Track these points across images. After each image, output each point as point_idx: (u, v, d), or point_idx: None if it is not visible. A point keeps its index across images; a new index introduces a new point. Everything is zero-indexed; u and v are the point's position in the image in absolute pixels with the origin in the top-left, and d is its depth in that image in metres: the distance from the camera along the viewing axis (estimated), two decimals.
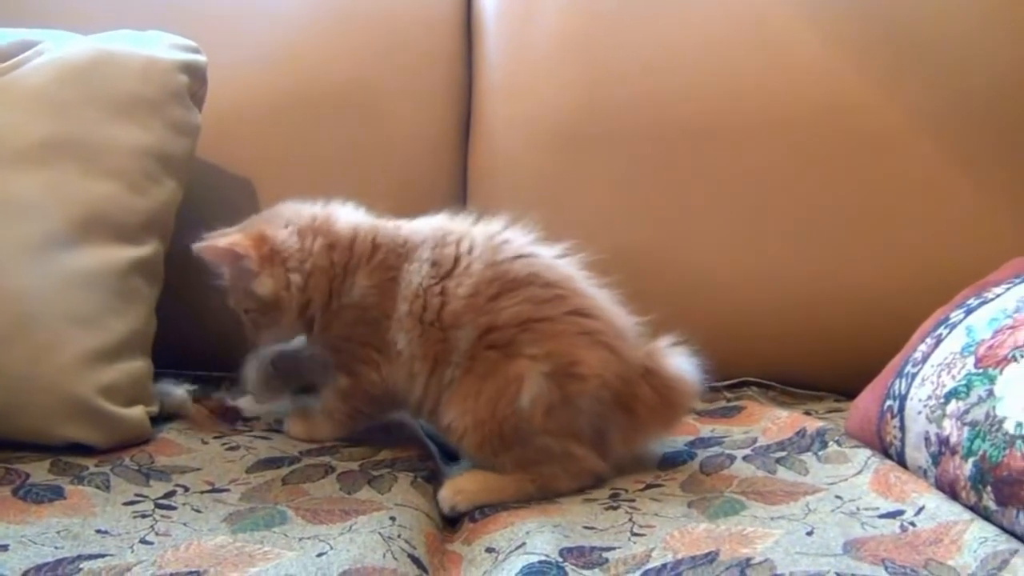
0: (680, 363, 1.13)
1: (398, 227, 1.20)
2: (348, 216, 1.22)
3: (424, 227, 1.19)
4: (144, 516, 0.98)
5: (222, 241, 1.16)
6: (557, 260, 1.17)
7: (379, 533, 0.91)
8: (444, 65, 1.61)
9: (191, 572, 0.84)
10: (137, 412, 1.19)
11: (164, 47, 1.35)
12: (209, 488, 1.06)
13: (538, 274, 1.13)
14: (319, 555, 0.87)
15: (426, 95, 1.59)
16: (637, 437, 1.14)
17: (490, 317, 1.10)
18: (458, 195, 1.55)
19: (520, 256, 1.14)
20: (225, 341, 1.34)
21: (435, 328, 1.12)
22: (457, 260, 1.13)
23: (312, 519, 0.97)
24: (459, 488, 1.07)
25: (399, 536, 0.92)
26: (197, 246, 1.16)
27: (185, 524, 0.96)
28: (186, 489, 1.06)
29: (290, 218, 1.20)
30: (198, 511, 1.00)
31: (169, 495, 1.04)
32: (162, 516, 0.98)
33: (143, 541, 0.92)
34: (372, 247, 1.17)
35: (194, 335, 1.44)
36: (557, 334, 1.09)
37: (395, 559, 0.87)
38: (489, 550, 0.94)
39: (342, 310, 1.17)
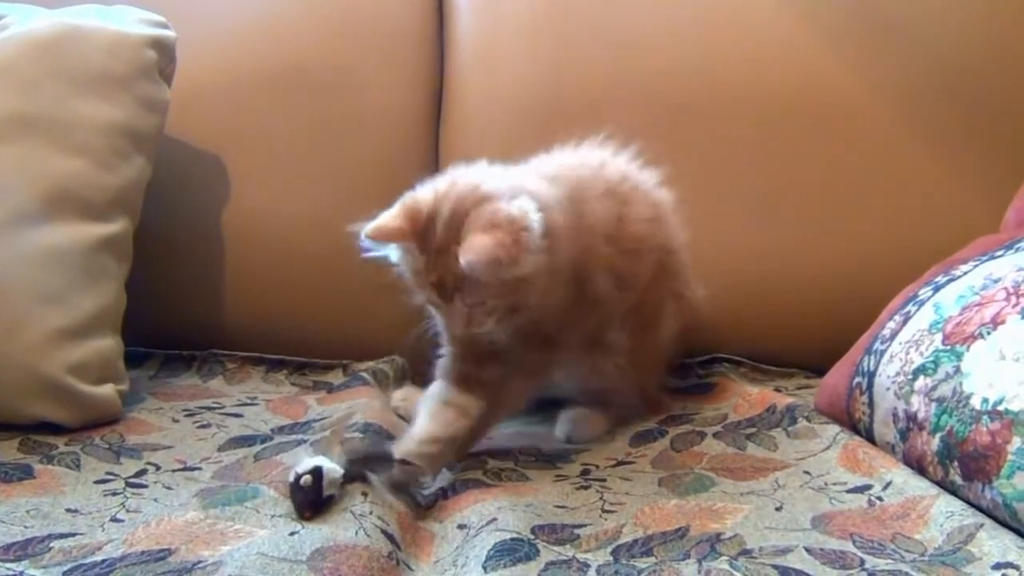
0: None
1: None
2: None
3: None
4: (115, 494, 0.98)
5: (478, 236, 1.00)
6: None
7: (351, 511, 0.91)
8: (416, 41, 1.61)
9: (162, 550, 0.84)
10: (107, 390, 1.18)
11: (132, 22, 1.33)
12: (181, 467, 1.06)
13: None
14: (291, 533, 0.87)
15: (398, 71, 1.58)
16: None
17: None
18: (430, 172, 1.54)
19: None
20: (194, 319, 1.34)
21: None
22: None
23: (285, 491, 0.96)
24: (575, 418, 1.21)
25: (371, 513, 0.92)
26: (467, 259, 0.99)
27: (156, 500, 0.96)
28: (157, 468, 1.05)
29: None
30: (169, 488, 0.99)
31: (140, 473, 1.04)
32: (133, 494, 0.98)
33: (114, 519, 0.92)
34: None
35: (164, 313, 1.44)
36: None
37: (368, 536, 0.87)
38: (461, 527, 0.94)
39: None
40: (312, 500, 0.92)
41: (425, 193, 1.07)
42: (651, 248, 1.20)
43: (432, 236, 1.03)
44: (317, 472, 0.93)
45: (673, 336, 1.29)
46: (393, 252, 1.07)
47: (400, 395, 1.32)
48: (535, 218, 1.02)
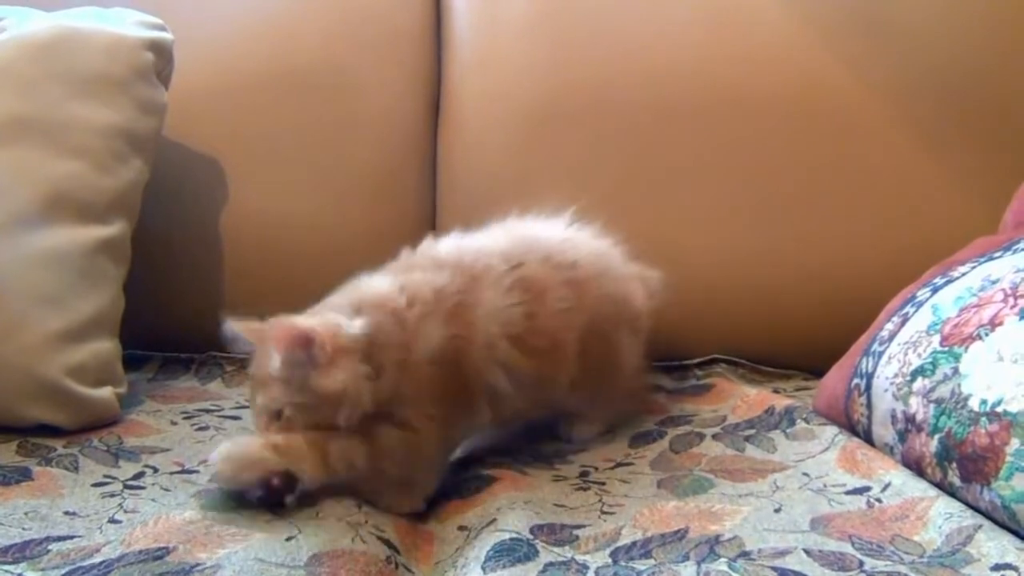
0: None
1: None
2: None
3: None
4: (112, 496, 0.97)
5: (299, 322, 1.00)
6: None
7: (346, 521, 0.91)
8: (414, 42, 1.61)
9: (160, 548, 0.84)
10: (105, 393, 1.18)
11: (130, 24, 1.33)
12: (179, 469, 1.06)
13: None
14: (288, 539, 0.87)
15: (396, 72, 1.58)
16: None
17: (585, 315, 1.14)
18: (428, 173, 1.55)
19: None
20: (193, 321, 1.34)
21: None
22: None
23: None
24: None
25: (366, 522, 0.92)
26: (274, 324, 1.01)
27: (153, 500, 0.96)
28: (155, 470, 1.05)
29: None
30: (167, 490, 0.99)
31: (138, 476, 1.03)
32: (131, 495, 0.98)
33: (111, 520, 0.91)
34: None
35: (162, 315, 1.44)
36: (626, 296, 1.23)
37: (364, 542, 0.87)
38: (461, 528, 0.94)
39: None
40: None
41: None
42: (570, 331, 1.13)
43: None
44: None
45: (637, 356, 1.25)
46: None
47: None
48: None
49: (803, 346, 1.43)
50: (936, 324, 1.05)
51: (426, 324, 1.02)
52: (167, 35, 1.36)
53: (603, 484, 1.04)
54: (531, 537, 0.88)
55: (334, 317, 1.00)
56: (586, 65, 1.53)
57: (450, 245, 1.13)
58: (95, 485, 1.01)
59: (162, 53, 1.34)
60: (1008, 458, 0.88)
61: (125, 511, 0.93)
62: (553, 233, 1.20)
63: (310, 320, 1.00)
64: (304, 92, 1.52)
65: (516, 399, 1.07)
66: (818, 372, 1.28)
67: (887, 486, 0.96)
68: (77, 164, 1.23)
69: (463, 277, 1.07)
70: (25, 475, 1.01)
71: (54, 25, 1.28)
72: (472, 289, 1.06)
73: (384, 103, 1.55)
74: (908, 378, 1.04)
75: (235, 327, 1.03)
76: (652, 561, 0.85)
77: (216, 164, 1.49)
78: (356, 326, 0.99)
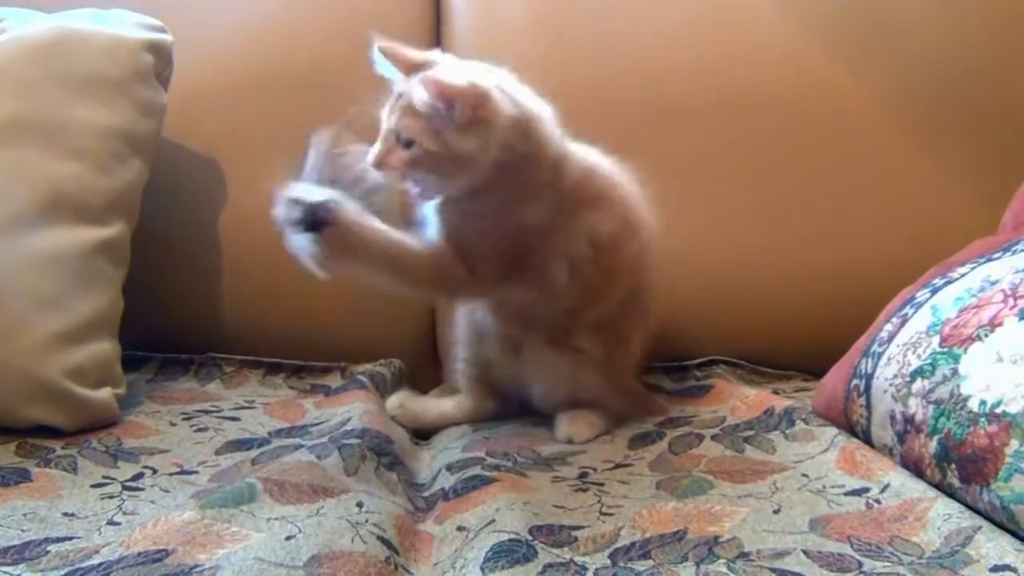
0: None
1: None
2: None
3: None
4: (111, 497, 0.98)
5: (449, 78, 1.07)
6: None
7: (346, 520, 0.91)
8: (413, 44, 1.60)
9: (159, 550, 0.84)
10: (104, 394, 1.18)
11: (129, 26, 1.33)
12: (178, 470, 1.06)
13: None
14: (287, 538, 0.87)
15: None
16: None
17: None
18: None
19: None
20: (192, 323, 1.34)
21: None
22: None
23: (280, 496, 0.96)
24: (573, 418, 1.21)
25: (367, 521, 0.91)
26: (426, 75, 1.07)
27: (153, 502, 0.96)
28: (154, 471, 1.05)
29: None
30: (166, 491, 0.99)
31: (137, 477, 1.03)
32: (130, 496, 0.98)
33: (110, 522, 0.91)
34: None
35: (161, 316, 1.44)
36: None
37: (364, 542, 0.87)
38: (460, 528, 0.94)
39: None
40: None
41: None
42: (630, 270, 1.23)
43: (420, 68, 1.11)
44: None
45: (640, 348, 1.30)
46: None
47: (396, 401, 1.31)
48: (509, 106, 1.09)
49: (802, 347, 1.43)
50: (935, 325, 1.05)
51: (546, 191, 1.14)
52: (166, 37, 1.36)
53: (602, 485, 1.04)
54: (530, 538, 0.88)
55: (496, 89, 1.09)
56: (585, 66, 1.53)
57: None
58: (94, 486, 1.01)
59: (161, 55, 1.34)
60: (1007, 459, 0.88)
61: (124, 513, 0.94)
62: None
63: (464, 81, 1.07)
64: (303, 93, 1.52)
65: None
66: (817, 373, 1.28)
67: (886, 487, 0.96)
68: (76, 165, 1.23)
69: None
70: (24, 476, 1.01)
71: (53, 26, 1.29)
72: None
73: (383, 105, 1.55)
74: (907, 379, 1.04)
75: (387, 48, 1.13)
76: (651, 562, 0.85)
77: (215, 165, 1.49)
78: (507, 109, 1.09)
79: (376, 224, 1.11)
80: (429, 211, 1.17)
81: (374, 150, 1.10)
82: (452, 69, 1.10)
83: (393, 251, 1.11)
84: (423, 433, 1.28)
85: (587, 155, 1.21)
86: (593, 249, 1.16)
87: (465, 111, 1.06)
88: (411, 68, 1.11)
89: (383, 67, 1.14)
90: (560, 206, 1.14)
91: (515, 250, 1.14)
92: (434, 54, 1.14)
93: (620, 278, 1.21)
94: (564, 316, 1.20)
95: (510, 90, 1.12)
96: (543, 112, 1.15)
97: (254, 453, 1.11)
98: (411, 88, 1.08)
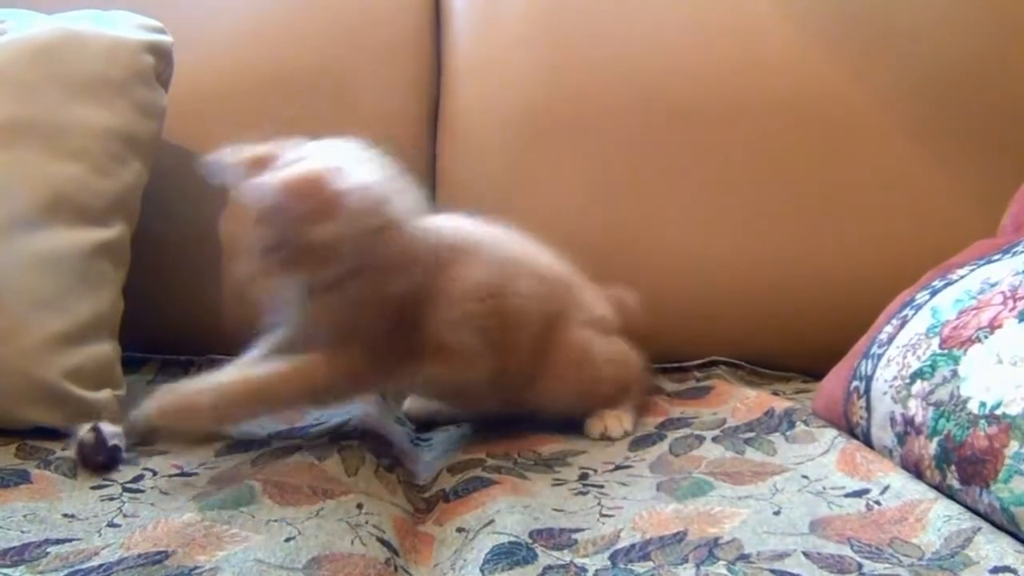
0: None
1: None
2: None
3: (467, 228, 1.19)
4: (111, 499, 0.97)
5: (299, 168, 1.03)
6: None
7: (346, 521, 0.91)
8: (413, 47, 1.61)
9: (159, 552, 0.84)
10: (104, 395, 1.18)
11: (129, 27, 1.33)
12: (178, 472, 1.06)
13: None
14: (287, 540, 0.87)
15: (395, 77, 1.58)
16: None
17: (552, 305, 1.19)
18: (427, 178, 1.55)
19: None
20: (192, 324, 1.34)
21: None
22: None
23: (280, 498, 0.96)
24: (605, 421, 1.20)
25: (366, 523, 0.92)
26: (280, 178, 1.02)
27: (152, 504, 0.96)
28: (154, 473, 1.05)
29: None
30: (166, 493, 0.99)
31: (137, 479, 1.03)
32: (130, 498, 0.98)
33: (110, 524, 0.91)
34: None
35: (162, 318, 1.43)
36: (580, 297, 1.23)
37: (363, 544, 0.87)
38: (460, 530, 0.94)
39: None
40: (98, 453, 1.03)
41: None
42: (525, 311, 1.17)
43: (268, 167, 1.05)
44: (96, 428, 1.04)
45: (610, 348, 1.25)
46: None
47: (409, 402, 1.32)
48: (352, 186, 1.03)
49: (802, 348, 1.43)
50: (935, 327, 1.05)
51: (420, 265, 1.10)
52: (166, 38, 1.36)
53: (602, 487, 1.04)
54: (530, 541, 0.88)
55: (345, 171, 1.03)
56: (585, 70, 1.53)
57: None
58: (93, 488, 1.01)
59: (161, 56, 1.34)
60: (1007, 460, 0.88)
61: (124, 515, 0.93)
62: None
63: (315, 168, 1.03)
64: (303, 96, 1.52)
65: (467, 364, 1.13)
66: (817, 374, 1.28)
67: (886, 489, 0.96)
68: (76, 167, 1.23)
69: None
70: (24, 478, 1.01)
71: (54, 28, 1.29)
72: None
73: (383, 107, 1.55)
74: (907, 381, 1.04)
75: (227, 156, 1.06)
76: (651, 564, 0.85)
77: None
78: (360, 189, 1.03)
79: (222, 378, 1.08)
80: (299, 316, 1.12)
81: (241, 268, 1.07)
82: (292, 160, 1.05)
83: (260, 390, 1.08)
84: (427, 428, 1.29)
85: (446, 220, 1.18)
86: (479, 302, 1.13)
87: (312, 201, 1.01)
88: (254, 167, 1.05)
89: (226, 176, 1.08)
90: (426, 270, 1.11)
91: (399, 326, 1.10)
92: (276, 145, 1.08)
93: (521, 320, 1.16)
94: (498, 385, 1.17)
95: (355, 167, 1.07)
96: (393, 182, 1.11)
97: (253, 454, 1.10)
98: (254, 192, 1.03)
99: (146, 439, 1.06)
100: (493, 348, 1.14)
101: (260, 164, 1.05)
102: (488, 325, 1.13)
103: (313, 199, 1.01)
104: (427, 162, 1.56)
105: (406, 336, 1.10)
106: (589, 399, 1.22)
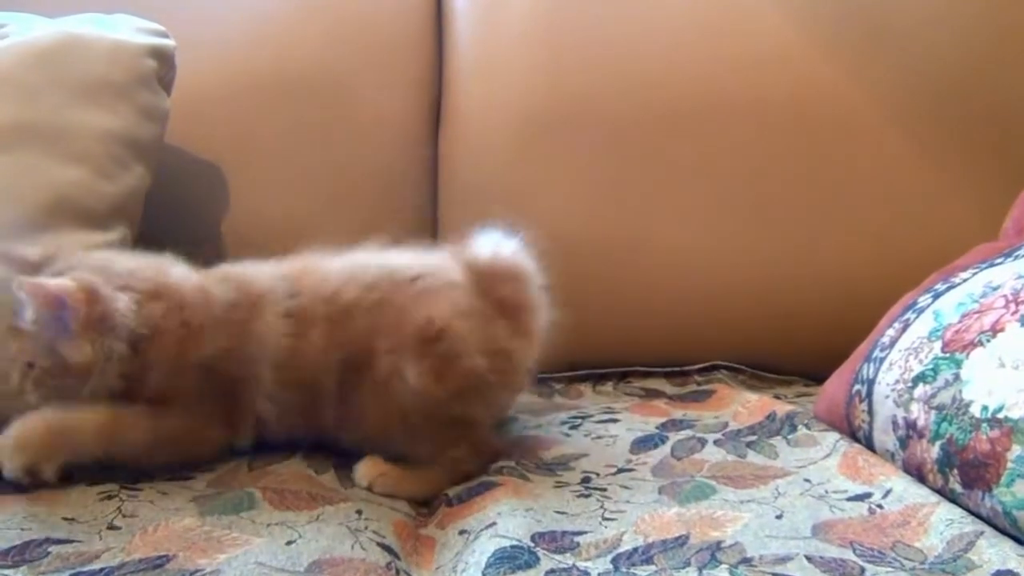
0: (494, 249, 1.12)
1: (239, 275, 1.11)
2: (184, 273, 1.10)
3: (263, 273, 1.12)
4: (111, 497, 0.97)
5: (52, 283, 0.99)
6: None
7: (346, 526, 0.91)
8: (415, 49, 1.61)
9: (160, 557, 0.84)
10: None
11: (132, 31, 1.33)
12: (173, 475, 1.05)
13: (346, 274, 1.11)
14: (288, 543, 0.87)
15: (397, 78, 1.58)
16: (531, 332, 1.12)
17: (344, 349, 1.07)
18: (429, 179, 1.55)
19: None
20: None
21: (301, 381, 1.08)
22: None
23: (279, 503, 0.96)
24: (382, 471, 1.06)
25: (367, 528, 0.92)
26: (26, 281, 0.98)
27: (152, 502, 0.96)
28: (151, 477, 1.05)
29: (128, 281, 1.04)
30: (164, 493, 0.99)
31: (135, 480, 1.03)
32: (129, 498, 0.97)
33: (111, 527, 0.91)
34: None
35: None
36: (395, 318, 1.06)
37: (363, 549, 0.87)
38: (462, 532, 0.94)
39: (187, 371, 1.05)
40: None
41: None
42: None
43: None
44: None
45: (432, 389, 1.05)
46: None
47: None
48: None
49: (804, 352, 1.43)
50: (937, 330, 1.05)
51: (211, 330, 1.04)
52: (169, 41, 1.36)
53: (604, 490, 1.03)
54: (532, 545, 0.88)
55: (103, 285, 1.00)
56: (586, 71, 1.53)
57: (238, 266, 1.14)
58: (90, 484, 1.00)
59: (164, 59, 1.34)
60: (1009, 464, 0.88)
61: (124, 515, 0.93)
62: (336, 262, 1.13)
63: (70, 282, 0.98)
64: (306, 98, 1.53)
65: (283, 425, 1.09)
66: (819, 378, 1.28)
67: (888, 492, 0.96)
68: (79, 170, 1.23)
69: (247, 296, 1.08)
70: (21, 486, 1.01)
71: (56, 31, 1.29)
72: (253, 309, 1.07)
73: (386, 108, 1.56)
74: (909, 384, 1.04)
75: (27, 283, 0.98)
76: (653, 567, 0.85)
77: (217, 169, 1.49)
78: (122, 302, 1.00)
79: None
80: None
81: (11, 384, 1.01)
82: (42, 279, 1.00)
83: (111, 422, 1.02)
84: None
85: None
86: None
87: (78, 314, 0.97)
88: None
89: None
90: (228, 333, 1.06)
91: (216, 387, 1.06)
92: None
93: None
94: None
95: (118, 268, 1.04)
96: (159, 271, 1.06)
97: (248, 458, 1.10)
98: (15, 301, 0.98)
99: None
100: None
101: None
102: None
103: (85, 310, 0.98)
104: (430, 163, 1.56)
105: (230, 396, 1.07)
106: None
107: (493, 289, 1.10)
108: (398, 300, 1.07)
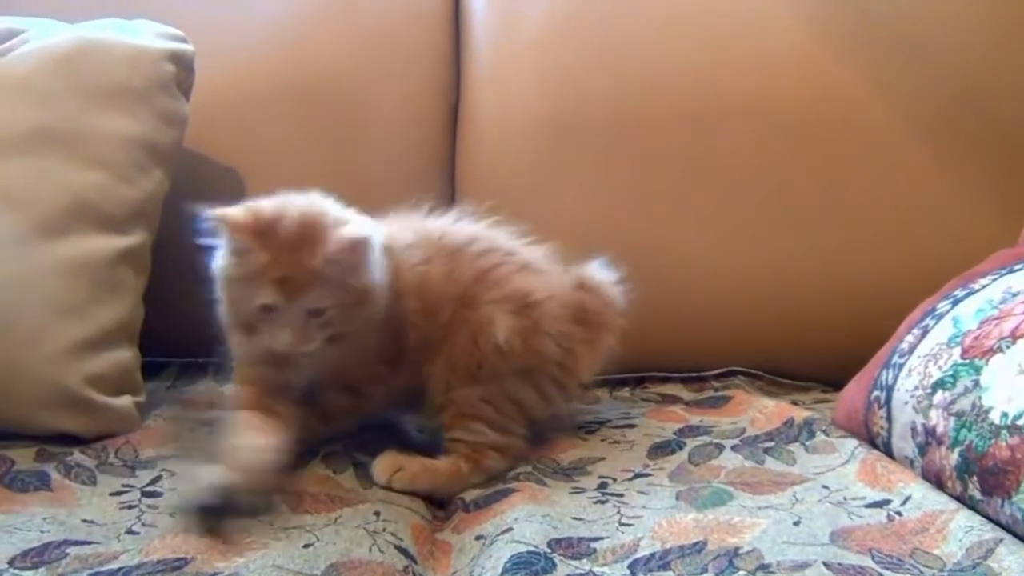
0: (601, 274, 1.24)
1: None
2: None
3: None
4: (131, 507, 0.98)
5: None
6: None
7: (364, 528, 0.91)
8: (432, 57, 1.61)
9: (178, 559, 0.84)
10: (125, 401, 1.18)
11: (151, 36, 1.34)
12: None
13: (472, 235, 1.19)
14: (305, 546, 0.87)
15: (414, 87, 1.58)
16: (597, 348, 1.22)
17: (460, 287, 1.14)
18: (446, 185, 1.55)
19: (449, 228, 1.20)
20: (210, 328, 1.34)
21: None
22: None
23: (297, 506, 0.97)
24: (400, 464, 1.08)
25: (384, 530, 0.92)
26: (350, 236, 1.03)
27: (171, 516, 0.96)
28: (172, 474, 1.05)
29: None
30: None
31: (155, 480, 1.04)
32: (148, 506, 0.98)
33: (129, 531, 0.92)
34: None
35: (182, 324, 1.44)
36: (503, 277, 1.15)
37: (381, 552, 0.87)
38: (479, 538, 0.94)
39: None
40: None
41: (263, 201, 1.07)
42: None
43: (276, 234, 1.02)
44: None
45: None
46: (224, 250, 1.05)
47: None
48: (376, 235, 1.06)
49: (822, 358, 1.43)
50: (956, 336, 1.05)
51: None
52: (188, 47, 1.36)
53: (621, 496, 1.03)
54: (548, 551, 0.88)
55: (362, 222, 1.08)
56: (602, 77, 1.53)
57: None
58: (113, 494, 1.01)
59: (183, 65, 1.35)
60: None
61: (144, 524, 0.93)
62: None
63: (359, 225, 1.06)
64: (324, 104, 1.53)
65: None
66: (836, 384, 1.28)
67: (907, 499, 0.96)
68: (98, 175, 1.23)
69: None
70: (44, 481, 1.02)
71: (76, 37, 1.29)
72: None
73: (403, 116, 1.56)
74: (928, 391, 1.03)
75: (222, 215, 1.03)
76: (671, 573, 0.85)
77: (235, 174, 1.49)
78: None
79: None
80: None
81: (284, 335, 1.03)
82: (337, 218, 1.06)
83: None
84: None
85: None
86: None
87: (361, 255, 1.04)
88: (257, 231, 1.03)
89: (220, 235, 1.05)
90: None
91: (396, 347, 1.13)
92: (271, 204, 1.06)
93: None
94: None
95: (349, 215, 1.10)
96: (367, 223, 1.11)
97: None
98: (308, 255, 1.01)
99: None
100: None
101: (261, 226, 1.03)
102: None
103: (362, 251, 1.04)
104: (447, 168, 1.56)
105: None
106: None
107: (585, 299, 1.21)
108: (507, 267, 1.17)
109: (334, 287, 1.02)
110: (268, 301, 1.01)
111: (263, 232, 1.02)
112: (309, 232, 1.02)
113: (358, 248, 1.03)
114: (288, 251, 1.01)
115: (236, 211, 1.03)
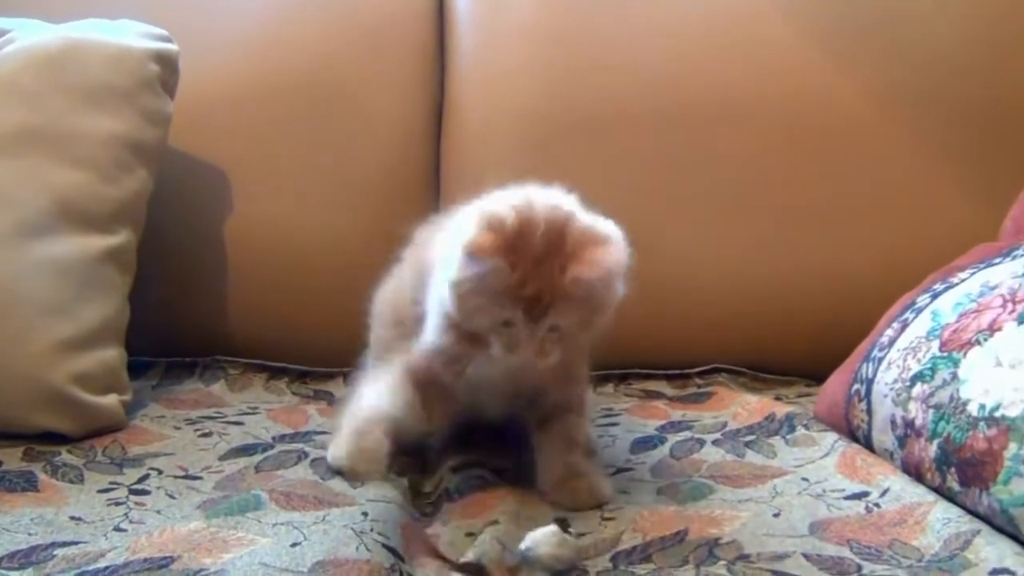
0: None
1: None
2: None
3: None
4: (118, 504, 0.98)
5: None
6: None
7: (351, 528, 0.91)
8: (417, 54, 1.61)
9: (164, 557, 0.85)
10: (110, 400, 1.19)
11: (135, 36, 1.34)
12: (182, 474, 1.06)
13: None
14: (293, 544, 0.87)
15: (399, 84, 1.58)
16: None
17: None
18: (431, 184, 1.56)
19: None
20: (198, 329, 1.34)
21: None
22: None
23: (286, 504, 0.97)
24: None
25: (371, 530, 0.92)
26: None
27: (159, 512, 0.96)
28: (160, 472, 1.06)
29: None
30: (172, 497, 1.00)
31: (143, 479, 1.04)
32: (136, 503, 0.98)
33: (117, 528, 0.92)
34: None
35: (168, 323, 1.44)
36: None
37: (368, 550, 0.87)
38: (468, 535, 0.94)
39: None
40: None
41: (501, 207, 0.98)
42: None
43: (526, 249, 0.94)
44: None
45: None
46: (462, 263, 0.95)
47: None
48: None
49: (804, 352, 1.44)
50: (935, 330, 1.06)
51: None
52: (172, 46, 1.37)
53: None
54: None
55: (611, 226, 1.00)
56: (589, 75, 1.53)
57: None
58: (100, 491, 1.01)
59: (167, 64, 1.35)
60: (1006, 463, 0.88)
61: (131, 522, 0.94)
62: None
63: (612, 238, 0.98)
64: (309, 102, 1.53)
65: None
66: (821, 378, 1.29)
67: (886, 491, 0.97)
68: (83, 174, 1.24)
69: None
70: (31, 483, 1.02)
71: (60, 37, 1.30)
72: None
73: (388, 113, 1.56)
74: (907, 384, 1.04)
75: (475, 247, 0.93)
76: (652, 565, 0.85)
77: (221, 173, 1.49)
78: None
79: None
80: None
81: (523, 350, 0.97)
82: (586, 229, 0.98)
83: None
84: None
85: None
86: None
87: (616, 275, 0.97)
88: (505, 249, 0.94)
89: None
90: None
91: None
92: (513, 213, 0.97)
93: None
94: None
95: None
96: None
97: (258, 458, 1.11)
98: (560, 273, 0.94)
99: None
100: None
101: (512, 233, 0.95)
102: None
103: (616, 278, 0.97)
104: (431, 166, 1.56)
105: None
106: None
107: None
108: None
109: (581, 304, 0.96)
110: (512, 317, 0.95)
111: (511, 248, 0.94)
112: (558, 244, 0.95)
113: (615, 269, 0.96)
114: (537, 266, 0.94)
115: (480, 234, 0.94)
